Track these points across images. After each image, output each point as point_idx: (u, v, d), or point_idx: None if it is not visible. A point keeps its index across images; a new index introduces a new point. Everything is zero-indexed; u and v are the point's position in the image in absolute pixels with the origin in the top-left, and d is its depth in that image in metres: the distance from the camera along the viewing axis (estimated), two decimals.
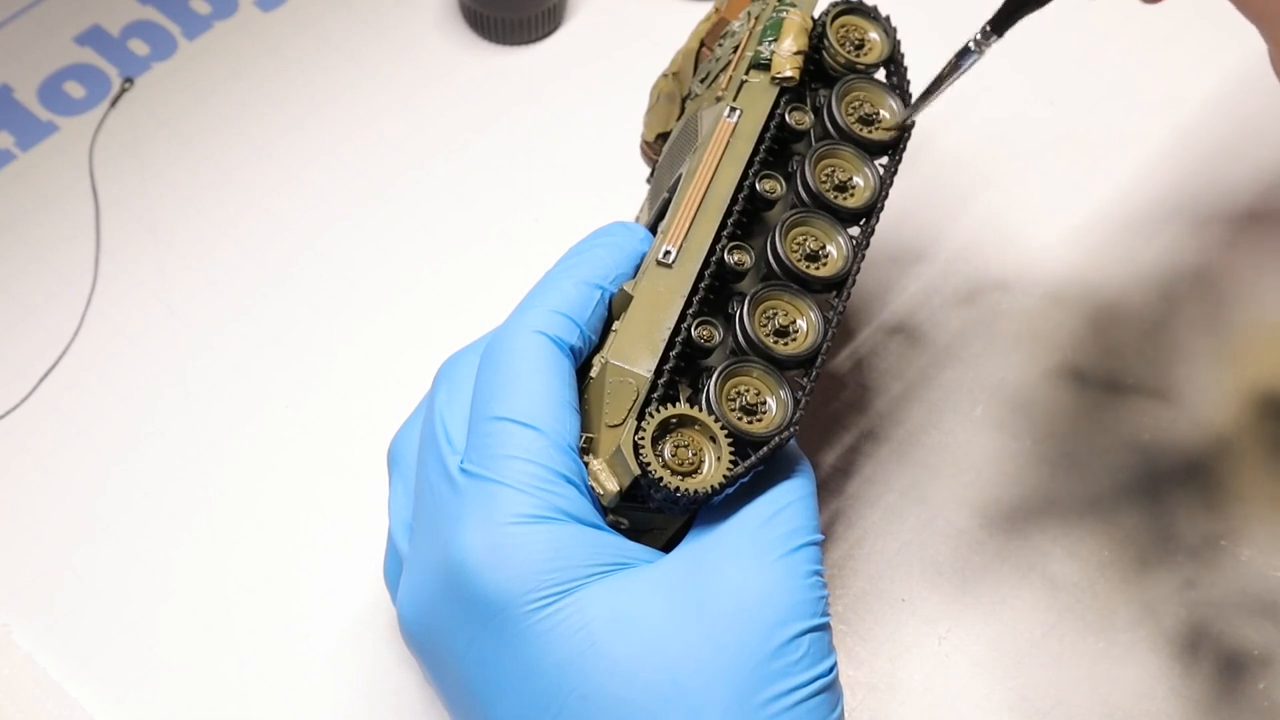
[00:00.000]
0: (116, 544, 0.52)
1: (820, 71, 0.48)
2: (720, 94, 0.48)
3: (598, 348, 0.44)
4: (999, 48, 0.45)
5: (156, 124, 0.61)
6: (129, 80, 0.62)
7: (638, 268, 0.45)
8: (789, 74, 0.46)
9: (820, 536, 0.42)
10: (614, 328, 0.43)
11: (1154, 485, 0.54)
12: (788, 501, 0.42)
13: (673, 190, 0.47)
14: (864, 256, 0.44)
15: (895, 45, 0.48)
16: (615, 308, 0.45)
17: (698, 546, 0.41)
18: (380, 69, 0.63)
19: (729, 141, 0.45)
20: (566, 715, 0.39)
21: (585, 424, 0.42)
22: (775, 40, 0.47)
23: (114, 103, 0.62)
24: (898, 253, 0.59)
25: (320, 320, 0.57)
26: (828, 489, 0.54)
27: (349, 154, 0.61)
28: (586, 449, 0.42)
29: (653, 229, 0.48)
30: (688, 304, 0.43)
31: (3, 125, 0.61)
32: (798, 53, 0.46)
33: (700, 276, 0.43)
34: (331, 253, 0.59)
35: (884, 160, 0.47)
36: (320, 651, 0.50)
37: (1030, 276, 0.59)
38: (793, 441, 0.43)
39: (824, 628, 0.41)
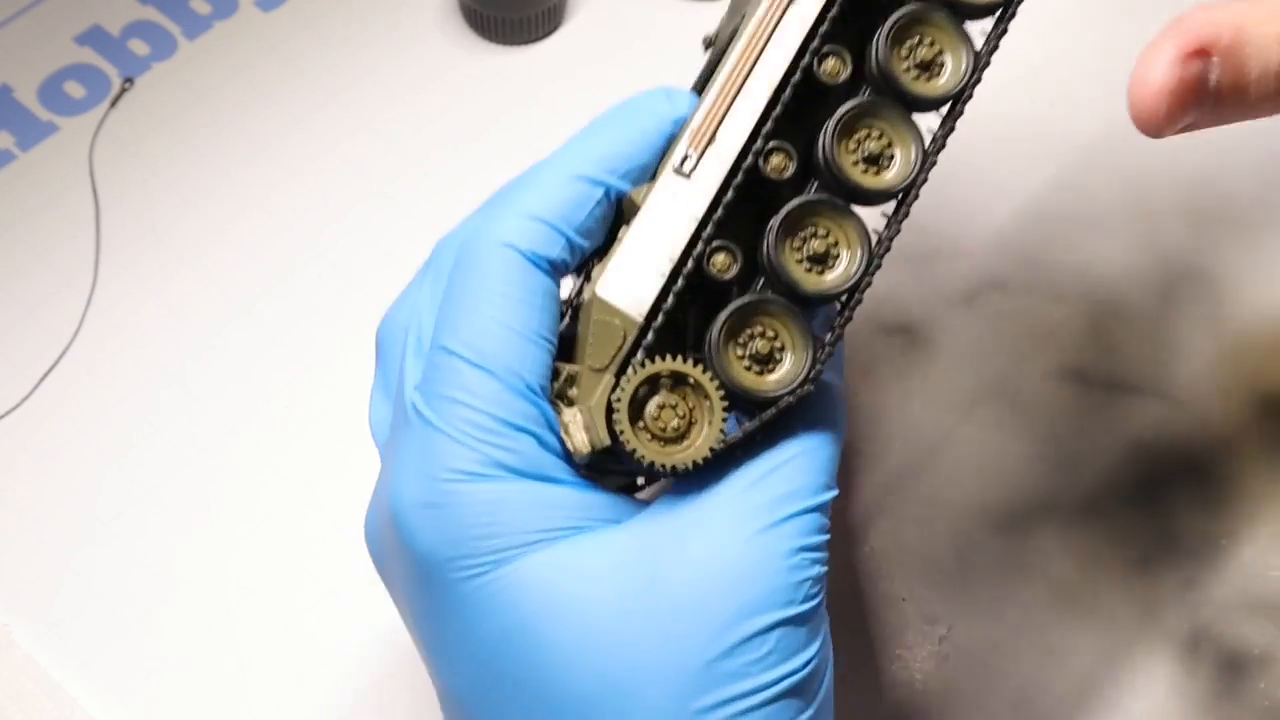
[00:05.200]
0: (116, 544, 0.52)
1: None
2: None
3: (606, 249, 0.37)
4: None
5: (156, 124, 0.61)
6: (129, 80, 0.62)
7: (667, 151, 0.37)
8: None
9: (825, 497, 0.36)
10: (618, 240, 0.36)
11: (1154, 485, 0.54)
12: (789, 457, 0.36)
13: (723, 52, 0.39)
14: (935, 163, 0.37)
15: None
16: (626, 212, 0.37)
17: (671, 510, 0.36)
18: (380, 69, 0.63)
19: (786, 8, 0.37)
20: (501, 698, 0.35)
21: (572, 353, 0.36)
22: None
23: (114, 103, 0.62)
24: (898, 252, 0.59)
25: (321, 320, 0.57)
26: None
27: (349, 153, 0.61)
28: (570, 382, 0.36)
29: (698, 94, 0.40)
30: (703, 225, 0.36)
31: (3, 125, 0.61)
32: None
33: (724, 190, 0.36)
34: (332, 252, 0.59)
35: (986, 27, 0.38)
36: (320, 652, 0.50)
37: (1030, 276, 0.59)
38: (827, 375, 0.36)
39: (803, 617, 0.35)
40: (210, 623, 0.50)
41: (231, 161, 0.61)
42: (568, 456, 0.36)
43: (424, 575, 0.35)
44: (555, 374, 0.37)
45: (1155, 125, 0.36)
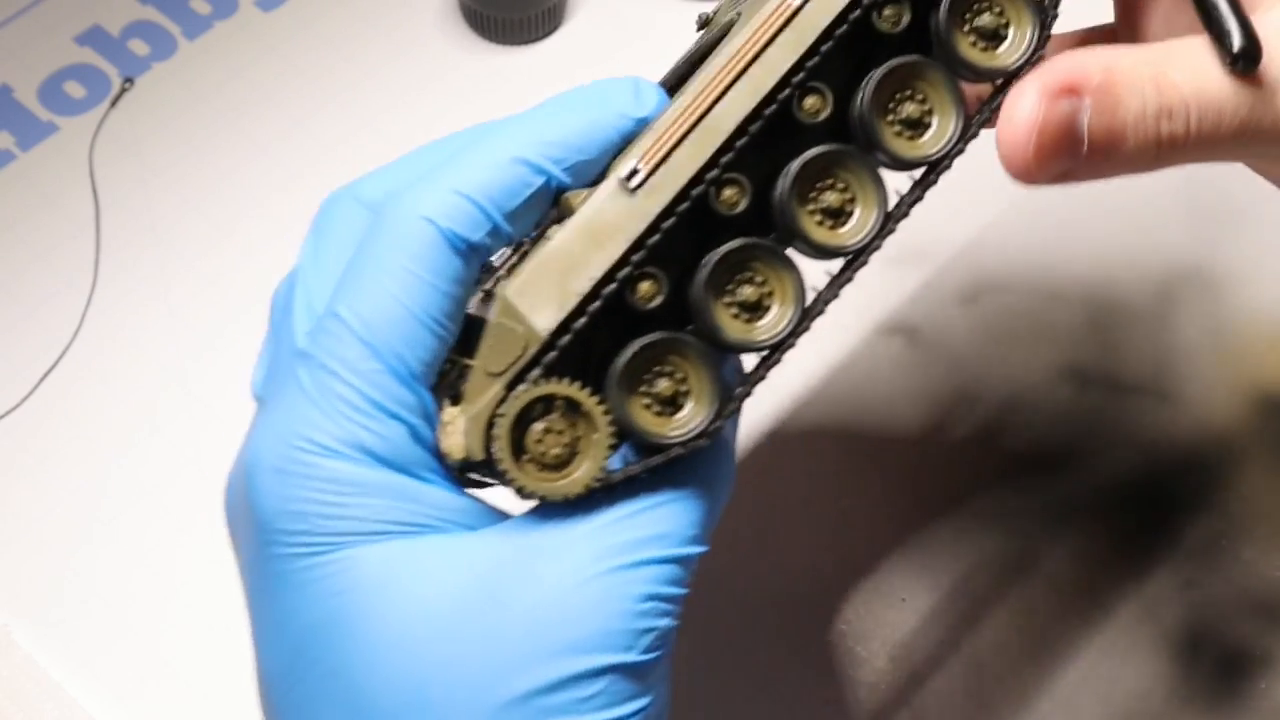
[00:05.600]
0: (117, 544, 0.52)
1: None
2: None
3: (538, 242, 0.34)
4: None
5: (157, 124, 0.61)
6: (129, 80, 0.62)
7: (621, 151, 0.34)
8: None
9: (689, 550, 0.33)
10: (544, 240, 0.33)
11: (1154, 485, 0.54)
12: (661, 502, 0.33)
13: (715, 43, 0.36)
14: (894, 230, 0.34)
15: None
16: (562, 210, 0.34)
17: (529, 529, 0.33)
18: (380, 69, 0.63)
19: (779, 31, 0.34)
20: (310, 689, 0.33)
21: (474, 343, 0.34)
22: None
23: (114, 102, 0.62)
24: (898, 252, 0.59)
25: None
26: (827, 490, 0.54)
27: (349, 153, 0.61)
28: (463, 377, 0.34)
29: (670, 89, 0.37)
30: (635, 247, 0.33)
31: (3, 125, 0.61)
32: None
33: (667, 215, 0.33)
34: None
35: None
36: None
37: (1030, 276, 0.59)
38: (726, 430, 0.34)
39: (640, 668, 0.32)
40: (211, 623, 0.50)
41: (231, 161, 0.61)
42: (440, 454, 0.34)
43: (262, 542, 0.33)
44: (450, 364, 0.34)
45: (1024, 168, 0.34)
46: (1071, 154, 0.34)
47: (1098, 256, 0.59)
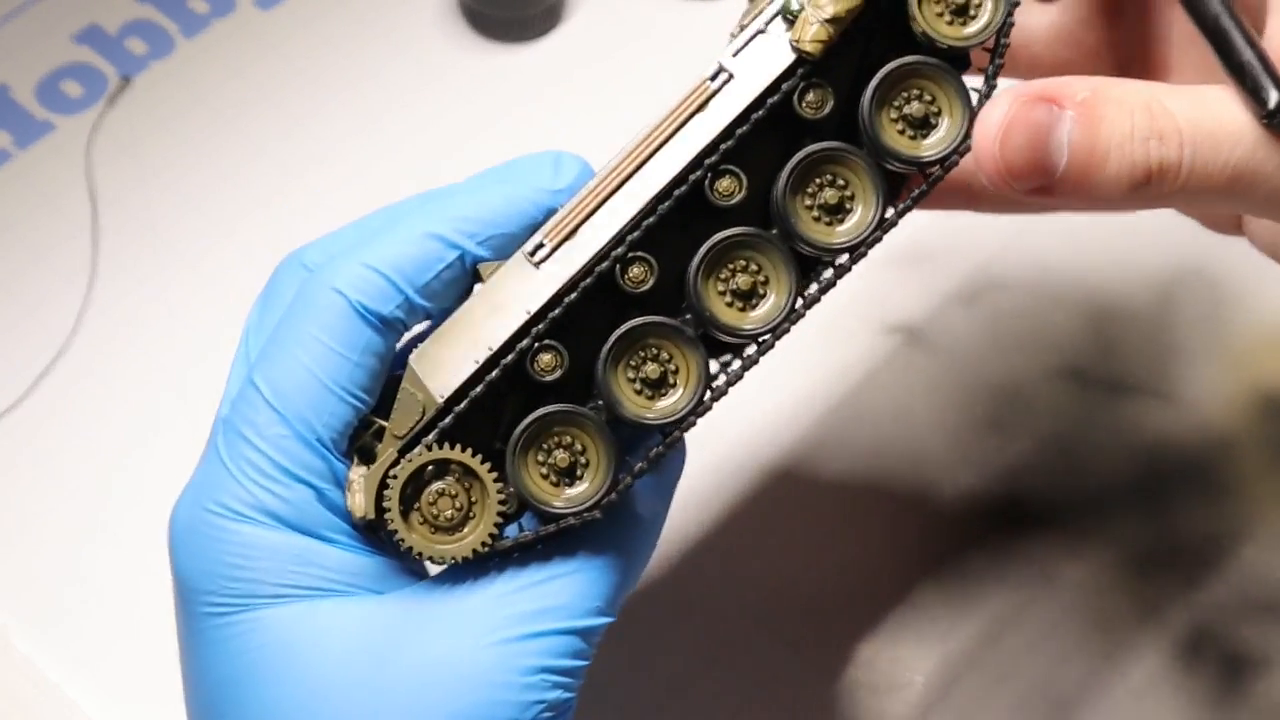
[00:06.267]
0: (116, 544, 0.52)
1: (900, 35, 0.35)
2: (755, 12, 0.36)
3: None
4: None
5: (154, 123, 0.61)
6: (127, 79, 0.62)
7: (539, 226, 0.35)
8: (807, 48, 0.34)
9: (590, 622, 0.34)
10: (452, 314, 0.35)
11: (1155, 485, 0.54)
12: (560, 574, 0.34)
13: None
14: (803, 316, 0.35)
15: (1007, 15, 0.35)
16: (480, 282, 0.36)
17: (428, 595, 0.34)
18: (380, 68, 0.63)
19: (694, 112, 0.34)
20: None
21: (387, 411, 0.35)
22: None
23: (112, 101, 0.62)
24: (898, 253, 0.59)
25: None
26: (828, 491, 0.54)
27: (349, 153, 0.61)
28: (378, 438, 0.35)
29: None
30: (536, 319, 0.34)
31: (0, 124, 0.61)
32: (833, 20, 0.34)
33: (570, 289, 0.34)
34: None
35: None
36: None
37: (1030, 276, 0.59)
38: (639, 505, 0.35)
39: None
40: None
41: (230, 161, 0.61)
42: (347, 518, 0.35)
43: (181, 600, 0.35)
44: (368, 424, 0.36)
45: (995, 169, 0.33)
46: (1044, 163, 0.33)
47: (1098, 257, 0.59)
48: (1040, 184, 0.34)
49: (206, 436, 0.54)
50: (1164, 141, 0.33)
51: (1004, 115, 0.34)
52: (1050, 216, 0.60)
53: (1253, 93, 0.34)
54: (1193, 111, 0.34)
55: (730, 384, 0.35)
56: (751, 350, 0.35)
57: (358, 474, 0.35)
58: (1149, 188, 0.34)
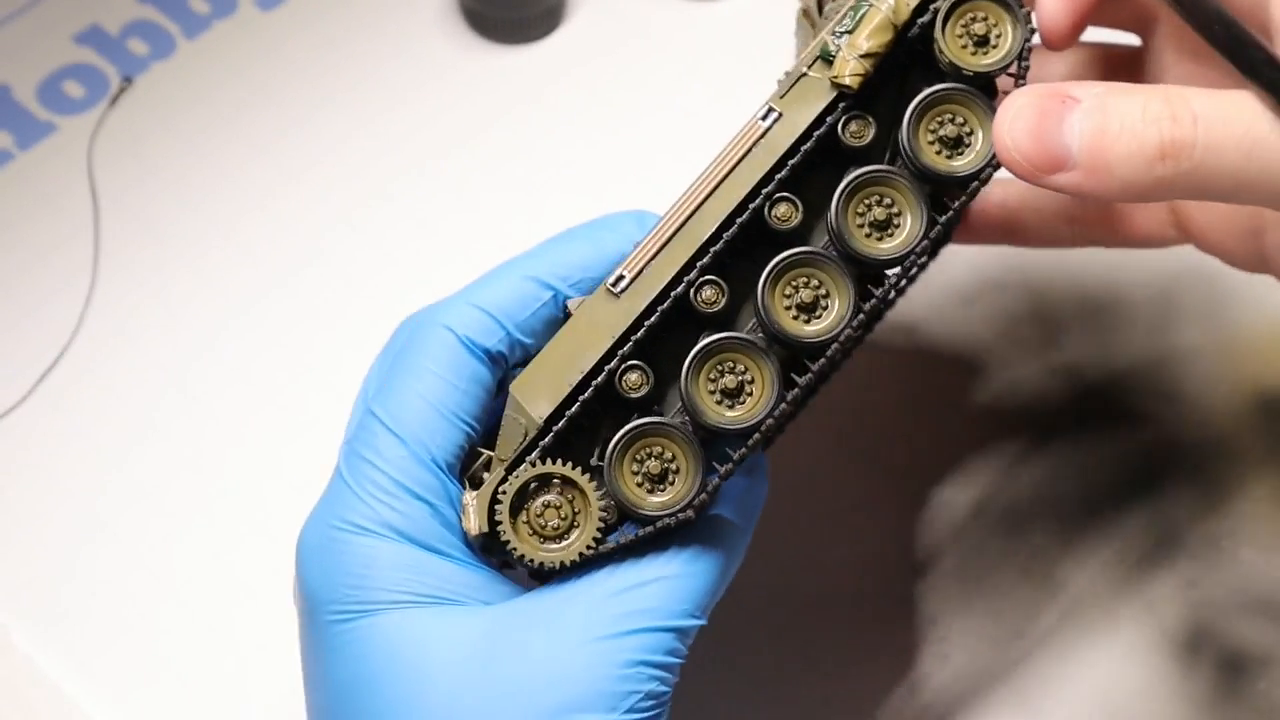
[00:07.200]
0: (116, 544, 0.52)
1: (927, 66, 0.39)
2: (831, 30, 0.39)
3: None
4: None
5: (156, 123, 0.61)
6: (128, 79, 0.62)
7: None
8: (847, 82, 0.38)
9: (683, 623, 0.37)
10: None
11: (1154, 485, 0.54)
12: (654, 577, 0.37)
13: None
14: (864, 324, 0.38)
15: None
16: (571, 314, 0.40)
17: (532, 601, 0.37)
18: (380, 69, 0.63)
19: (749, 150, 0.38)
20: None
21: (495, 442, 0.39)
22: (851, 32, 0.38)
23: (113, 102, 0.62)
24: None
25: (320, 320, 0.57)
26: (825, 490, 0.54)
27: (349, 153, 0.61)
28: (486, 467, 0.39)
29: None
30: (621, 342, 0.38)
31: (1, 125, 0.61)
32: (867, 55, 0.38)
33: (650, 313, 0.38)
34: (332, 253, 0.59)
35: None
36: None
37: (1030, 276, 0.59)
38: (726, 512, 0.38)
39: None
40: (210, 623, 0.50)
41: (231, 161, 0.61)
42: (465, 535, 0.38)
43: (307, 610, 0.38)
44: (476, 455, 0.39)
45: (1014, 155, 0.35)
46: (1055, 142, 0.35)
47: (1098, 256, 0.59)
48: (1055, 166, 0.35)
49: (207, 436, 0.54)
50: (1177, 121, 0.34)
51: (1019, 101, 0.35)
52: None
53: (1270, 87, 0.34)
54: (1207, 99, 0.35)
55: (810, 386, 0.38)
56: (820, 363, 0.38)
57: (470, 498, 0.38)
58: (1163, 165, 0.34)
